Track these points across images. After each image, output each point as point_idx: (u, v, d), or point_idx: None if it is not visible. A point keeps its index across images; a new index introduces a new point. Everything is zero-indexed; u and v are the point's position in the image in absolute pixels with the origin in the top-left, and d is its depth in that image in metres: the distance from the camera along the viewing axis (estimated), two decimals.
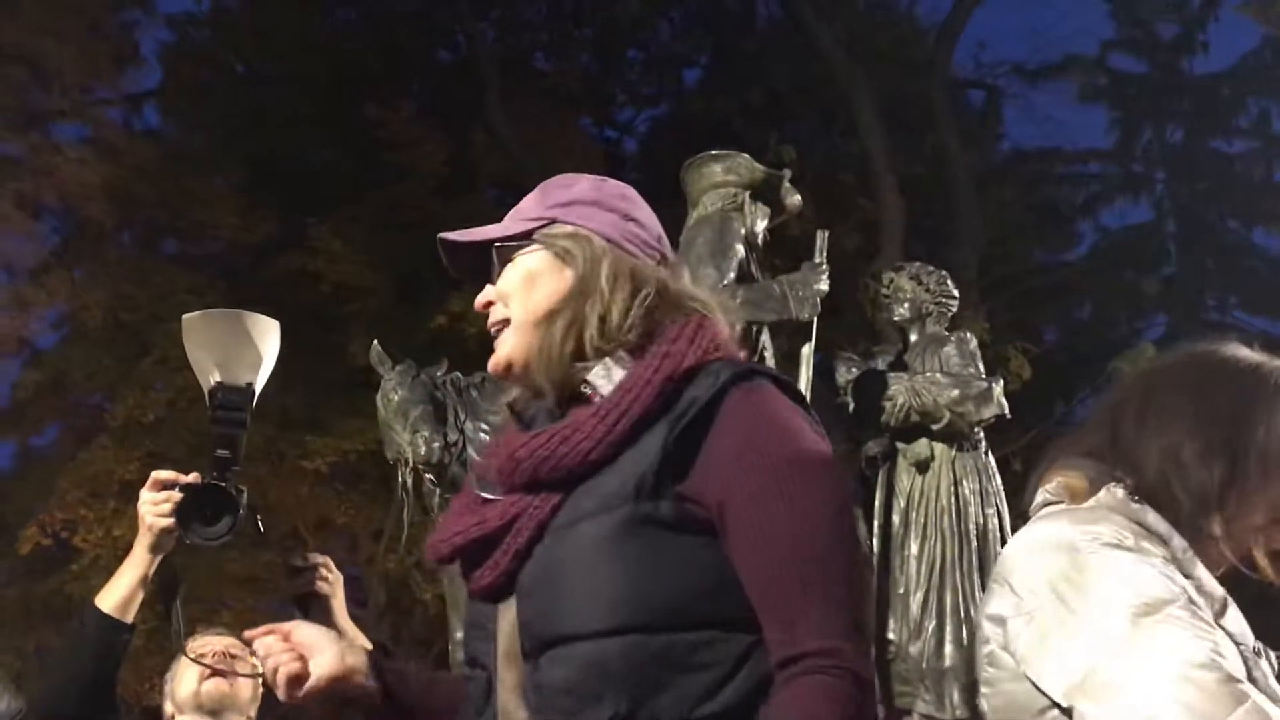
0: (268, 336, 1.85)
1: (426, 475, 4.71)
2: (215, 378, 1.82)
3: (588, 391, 1.39)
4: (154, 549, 1.92)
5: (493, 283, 1.47)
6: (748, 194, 4.53)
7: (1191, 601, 1.28)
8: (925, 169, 13.75)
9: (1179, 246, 15.54)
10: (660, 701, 1.26)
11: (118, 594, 1.95)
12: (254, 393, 1.84)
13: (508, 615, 1.37)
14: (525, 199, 1.51)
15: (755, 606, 1.29)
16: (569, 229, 1.44)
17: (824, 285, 4.37)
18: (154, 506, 1.88)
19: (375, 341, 4.98)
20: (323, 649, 1.48)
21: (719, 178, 4.56)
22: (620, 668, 1.27)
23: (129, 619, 1.96)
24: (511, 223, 1.49)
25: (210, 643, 2.53)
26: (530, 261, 1.44)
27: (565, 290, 1.42)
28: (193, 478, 1.84)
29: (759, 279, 4.48)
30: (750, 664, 1.29)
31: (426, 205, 12.90)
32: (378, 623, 12.62)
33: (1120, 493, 1.38)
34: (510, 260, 1.46)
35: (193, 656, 2.37)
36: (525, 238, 1.46)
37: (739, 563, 1.29)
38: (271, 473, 11.87)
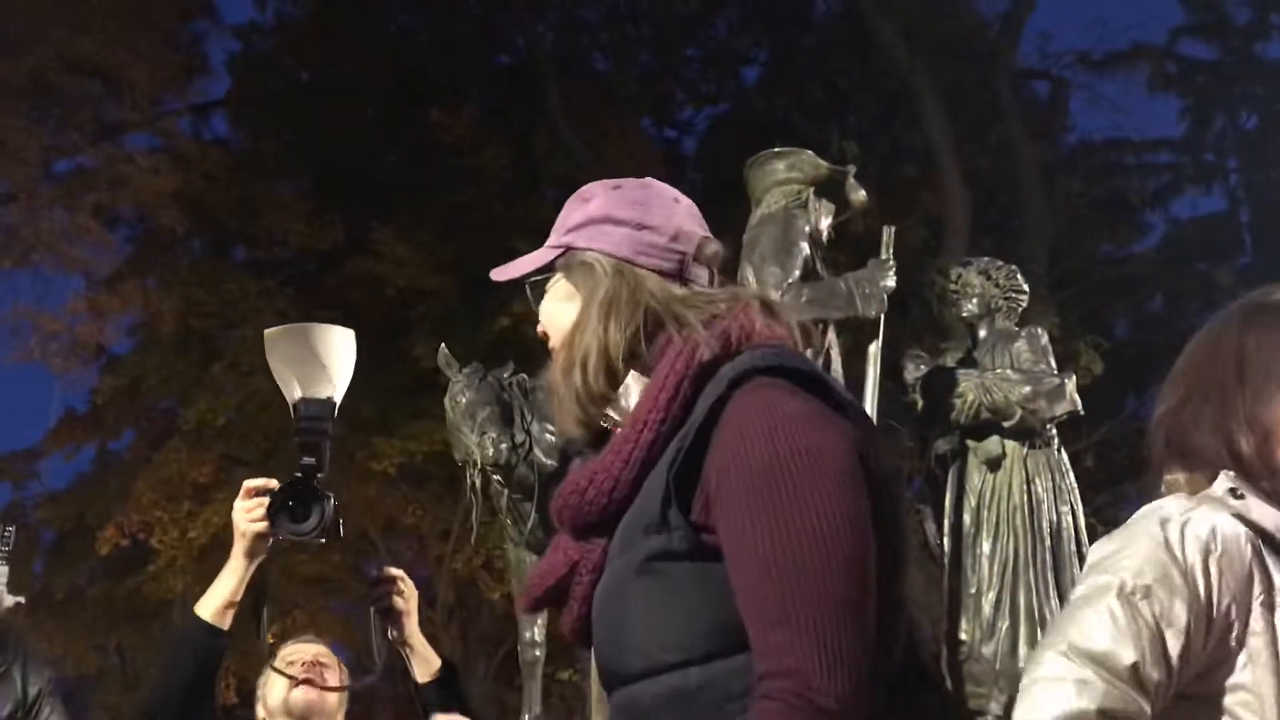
0: (345, 348, 1.89)
1: (494, 476, 4.74)
2: (298, 390, 1.87)
3: (606, 425, 1.37)
4: (249, 554, 1.97)
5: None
6: (811, 191, 4.50)
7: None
8: (991, 162, 13.55)
9: (1253, 235, 15.15)
10: None
11: (216, 601, 1.99)
12: (335, 404, 1.89)
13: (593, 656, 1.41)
14: (558, 219, 1.48)
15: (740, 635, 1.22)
16: (578, 257, 1.41)
17: (891, 282, 4.33)
18: (247, 513, 1.93)
19: (443, 345, 5.03)
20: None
21: (782, 175, 4.53)
22: (665, 708, 1.24)
23: (226, 625, 2.00)
24: (540, 251, 1.46)
25: (300, 651, 2.58)
26: (555, 294, 1.43)
27: (580, 316, 1.39)
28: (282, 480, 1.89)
29: (824, 276, 4.45)
30: None
31: (490, 208, 13.01)
32: (446, 622, 12.76)
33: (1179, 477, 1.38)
34: (545, 292, 1.45)
35: (279, 668, 2.42)
36: (549, 270, 1.43)
37: (731, 577, 1.23)
38: (340, 474, 12.03)
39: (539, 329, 1.46)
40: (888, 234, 4.49)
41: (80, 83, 12.42)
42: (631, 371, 1.35)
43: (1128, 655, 1.24)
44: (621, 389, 1.36)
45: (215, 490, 12.24)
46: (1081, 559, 4.18)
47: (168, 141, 13.51)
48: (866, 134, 13.16)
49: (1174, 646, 1.25)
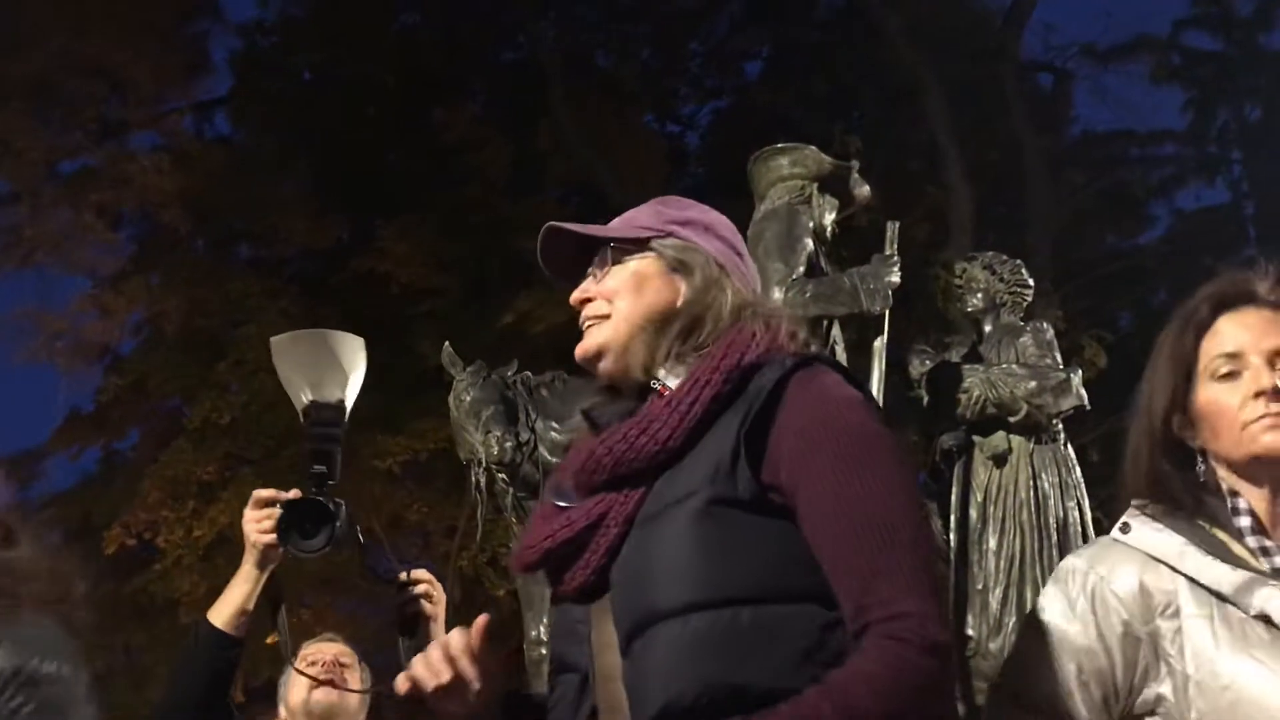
0: (354, 353, 1.90)
1: (499, 474, 4.74)
2: (308, 396, 1.87)
3: (656, 387, 1.46)
4: (260, 564, 1.99)
5: (594, 280, 1.55)
6: (815, 186, 4.50)
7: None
8: (995, 155, 13.52)
9: (1258, 227, 15.11)
10: (748, 672, 1.28)
11: (228, 609, 2.01)
12: (345, 409, 1.89)
13: (603, 614, 1.40)
14: (638, 210, 1.61)
15: (830, 578, 1.32)
16: (684, 244, 1.54)
17: (895, 277, 4.33)
18: (257, 524, 1.95)
19: (447, 343, 5.03)
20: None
21: (786, 170, 4.53)
22: (708, 641, 1.29)
23: (240, 633, 2.02)
24: (625, 226, 1.58)
25: (321, 651, 2.59)
26: (642, 265, 1.53)
27: (673, 299, 1.50)
28: (292, 494, 1.89)
29: (828, 272, 4.44)
30: (835, 636, 1.31)
31: (493, 206, 13.00)
32: (452, 620, 12.74)
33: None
34: (620, 262, 1.54)
35: (300, 668, 2.43)
36: (641, 244, 1.54)
37: (814, 536, 1.33)
38: (345, 472, 11.95)
39: (579, 294, 1.55)
40: (892, 229, 4.49)
41: (83, 83, 12.43)
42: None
43: (1064, 695, 1.39)
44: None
45: (221, 489, 12.25)
46: None
47: (171, 140, 13.52)
48: (870, 128, 13.13)
49: (1095, 687, 1.39)
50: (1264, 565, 1.40)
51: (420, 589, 2.02)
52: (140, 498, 12.45)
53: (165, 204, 12.52)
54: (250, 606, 2.01)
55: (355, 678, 2.62)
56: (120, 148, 13.06)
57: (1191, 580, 1.39)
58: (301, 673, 2.44)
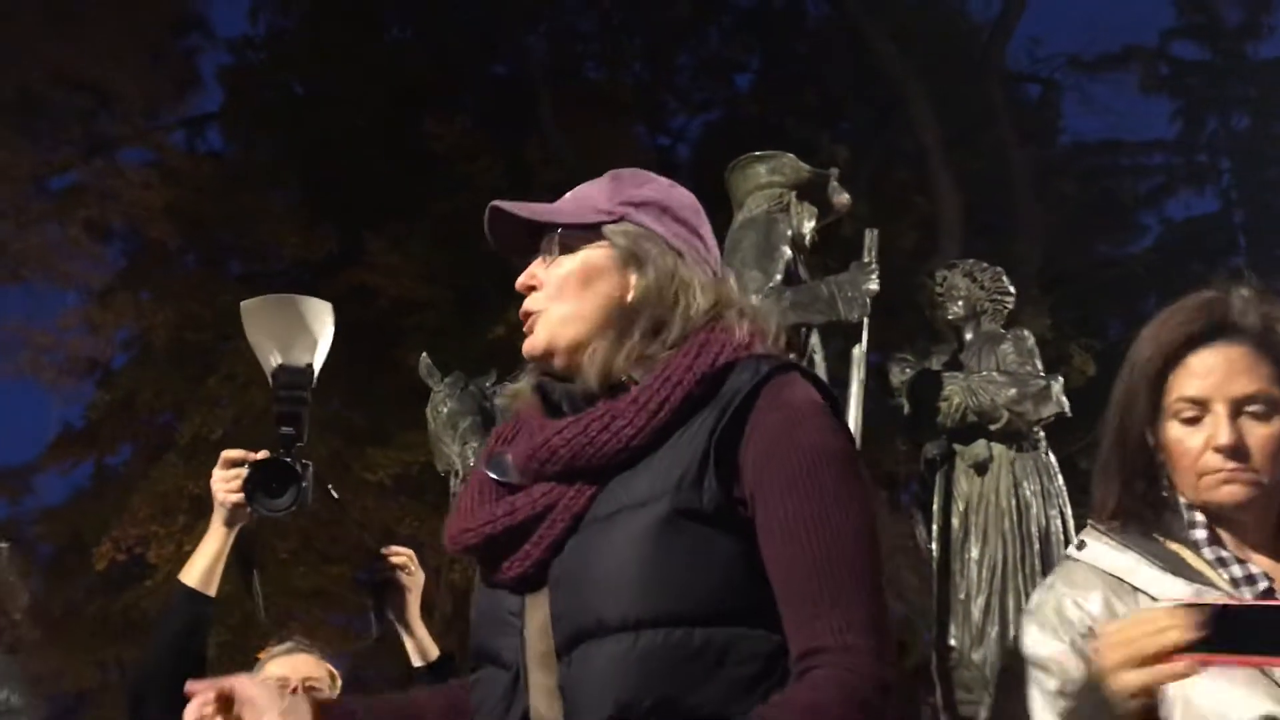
0: (322, 318, 1.92)
1: None
2: (276, 359, 1.90)
3: (623, 380, 1.38)
4: (228, 523, 2.03)
5: (543, 263, 1.44)
6: (794, 194, 4.49)
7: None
8: (983, 165, 13.56)
9: (1247, 236, 15.16)
10: (696, 697, 1.24)
11: (199, 568, 2.04)
12: (313, 372, 1.93)
13: (538, 609, 1.34)
14: (592, 185, 1.49)
15: (780, 604, 1.27)
16: (638, 230, 1.43)
17: (873, 285, 4.31)
18: (224, 483, 1.98)
19: (424, 354, 5.04)
20: (265, 710, 1.38)
21: (764, 179, 4.51)
22: (658, 660, 1.24)
23: (211, 591, 2.04)
24: (577, 207, 1.46)
25: (288, 670, 2.54)
26: (593, 256, 1.42)
27: (624, 293, 1.40)
28: (261, 455, 1.91)
29: (806, 280, 4.43)
30: (779, 663, 1.27)
31: (483, 218, 13.00)
32: (445, 632, 12.73)
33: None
34: (570, 249, 1.43)
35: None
36: (593, 229, 1.43)
37: (767, 559, 1.28)
38: (336, 485, 11.97)
39: (525, 279, 1.45)
40: (870, 237, 4.48)
41: (71, 97, 12.44)
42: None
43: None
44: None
45: (211, 504, 12.20)
46: None
47: (160, 155, 13.52)
48: (859, 139, 13.17)
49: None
50: (1223, 575, 1.41)
51: (398, 560, 2.04)
52: (130, 513, 12.41)
53: (154, 218, 12.52)
54: (220, 564, 2.04)
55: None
56: (109, 163, 13.06)
57: (1146, 594, 1.40)
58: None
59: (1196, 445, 1.43)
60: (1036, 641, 1.44)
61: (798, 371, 1.38)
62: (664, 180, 1.51)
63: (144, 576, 12.64)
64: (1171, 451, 1.45)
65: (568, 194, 1.51)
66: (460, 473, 4.67)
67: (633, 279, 1.40)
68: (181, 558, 12.47)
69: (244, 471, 1.92)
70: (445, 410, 4.75)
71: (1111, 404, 1.51)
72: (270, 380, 1.92)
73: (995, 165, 13.38)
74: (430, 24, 14.74)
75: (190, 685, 1.42)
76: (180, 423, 12.73)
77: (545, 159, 13.81)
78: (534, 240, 1.47)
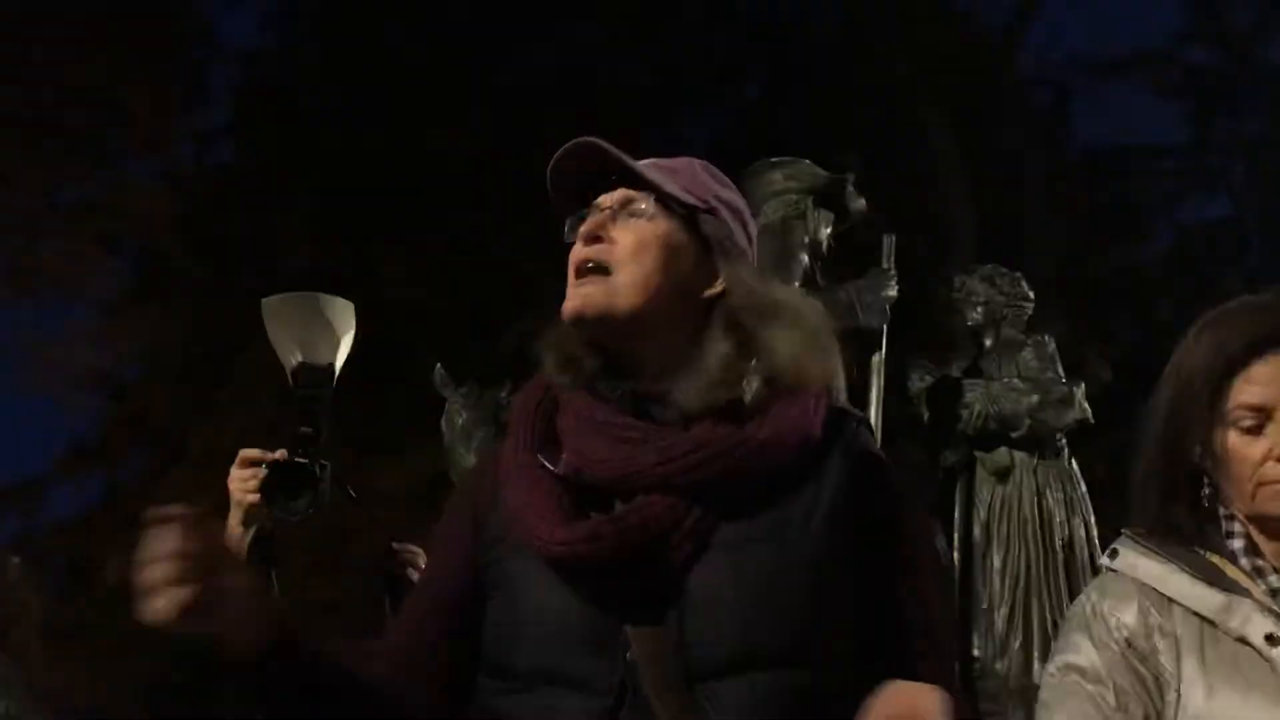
0: (344, 317, 1.88)
1: None
2: (297, 358, 1.86)
3: (743, 397, 1.32)
4: (245, 523, 2.00)
5: (610, 220, 1.36)
6: (810, 200, 4.46)
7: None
8: (995, 171, 13.52)
9: (1262, 239, 15.10)
10: None
11: None
12: (334, 371, 1.88)
13: (652, 634, 1.24)
14: (680, 165, 1.42)
15: (884, 651, 1.29)
16: (722, 226, 1.39)
17: (892, 291, 4.28)
18: (242, 483, 1.94)
19: (439, 365, 5.02)
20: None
21: (780, 185, 4.49)
22: (806, 698, 1.24)
23: None
24: (667, 179, 1.38)
25: None
26: (674, 233, 1.36)
27: (705, 285, 1.36)
28: (279, 454, 1.87)
29: (824, 287, 4.40)
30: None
31: (494, 228, 13.01)
32: None
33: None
34: (653, 217, 1.36)
35: None
36: (686, 209, 1.37)
37: (875, 605, 1.31)
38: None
39: (593, 227, 1.36)
40: (888, 243, 4.45)
41: (81, 112, 12.48)
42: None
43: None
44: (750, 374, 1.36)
45: (224, 516, 12.21)
46: (1095, 570, 4.12)
47: (169, 168, 13.59)
48: (869, 145, 13.13)
49: (1138, 702, 1.38)
50: (1259, 586, 1.39)
51: (409, 558, 2.03)
52: (143, 526, 12.42)
53: (164, 232, 12.55)
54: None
55: None
56: (118, 176, 13.11)
57: (1179, 604, 1.40)
58: None
59: (1256, 454, 1.41)
60: (1080, 650, 1.42)
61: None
62: (739, 195, 1.48)
63: None
64: (1226, 460, 1.42)
65: (648, 161, 1.42)
66: None
67: (720, 272, 1.36)
68: None
69: (262, 472, 1.88)
70: (461, 421, 4.73)
71: (1156, 412, 1.49)
72: (290, 379, 1.88)
73: (1007, 172, 13.34)
74: (438, 36, 14.77)
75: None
76: (191, 435, 12.74)
77: None
78: (596, 193, 1.40)
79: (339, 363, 1.90)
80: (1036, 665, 4.16)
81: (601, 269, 1.34)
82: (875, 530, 1.33)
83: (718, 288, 1.35)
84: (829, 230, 4.47)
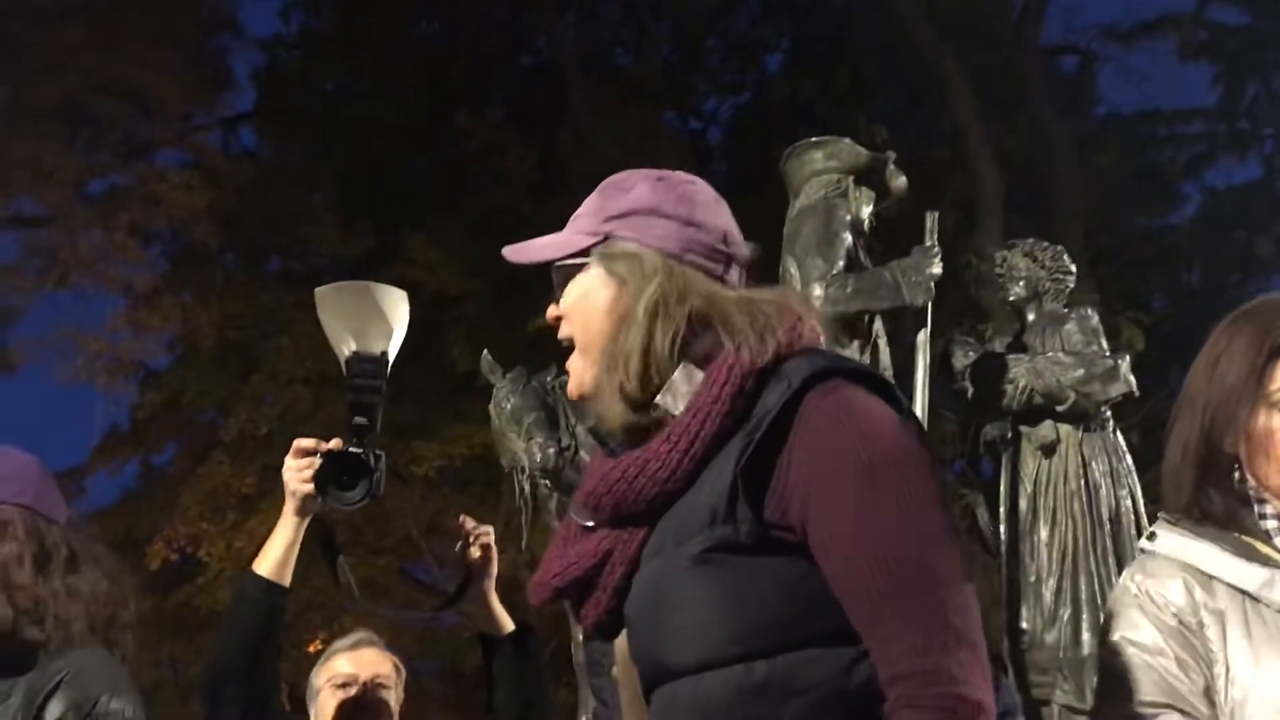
0: (398, 306, 1.88)
1: (542, 481, 4.74)
2: (351, 347, 1.86)
3: (656, 415, 1.34)
4: (299, 512, 1.99)
5: (555, 299, 1.44)
6: (851, 179, 4.45)
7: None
8: (1020, 141, 13.41)
9: None
10: None
11: (272, 558, 2.00)
12: (388, 361, 1.88)
13: (623, 652, 1.37)
14: (586, 202, 1.45)
15: (855, 624, 1.22)
16: (622, 247, 1.37)
17: (937, 269, 4.27)
18: (296, 473, 1.94)
19: (485, 352, 5.03)
20: None
21: (820, 164, 4.48)
22: (721, 702, 1.22)
23: (285, 581, 2.01)
24: (570, 235, 1.43)
25: (357, 668, 2.51)
26: (587, 282, 1.39)
27: (624, 312, 1.36)
28: (333, 444, 1.88)
29: (867, 266, 4.40)
30: (859, 673, 1.22)
31: (518, 209, 13.02)
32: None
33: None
34: (569, 279, 1.41)
35: (330, 687, 2.39)
36: (582, 255, 1.40)
37: (830, 580, 1.22)
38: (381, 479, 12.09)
39: (551, 314, 1.43)
40: (931, 220, 4.43)
41: (110, 103, 12.56)
42: (681, 362, 1.33)
43: (1175, 697, 1.40)
44: (673, 378, 1.33)
45: (260, 500, 12.32)
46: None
47: (198, 157, 13.65)
48: (893, 118, 13.06)
49: (1197, 677, 1.39)
50: None
51: (484, 538, 2.04)
52: (180, 512, 12.56)
53: (195, 220, 12.63)
54: (293, 554, 2.01)
55: (393, 699, 2.53)
56: (148, 166, 13.19)
57: (1221, 580, 1.42)
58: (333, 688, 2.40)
59: None
60: (1136, 626, 1.44)
61: (840, 375, 1.28)
62: (650, 176, 1.43)
63: (196, 574, 12.80)
64: (1264, 442, 1.44)
65: (572, 216, 1.47)
66: (525, 468, 4.69)
67: (625, 299, 1.36)
68: (232, 554, 12.70)
69: (316, 461, 1.88)
70: (509, 406, 4.75)
71: (1194, 393, 1.49)
72: (344, 369, 1.89)
73: (1033, 141, 13.22)
74: (459, 18, 14.75)
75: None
76: (225, 421, 12.86)
77: (577, 149, 13.80)
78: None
79: (392, 352, 1.91)
80: (1085, 636, 4.19)
81: (569, 342, 1.43)
82: (805, 505, 1.23)
83: (631, 312, 1.36)
84: (870, 209, 4.47)
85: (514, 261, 1.47)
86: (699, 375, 1.32)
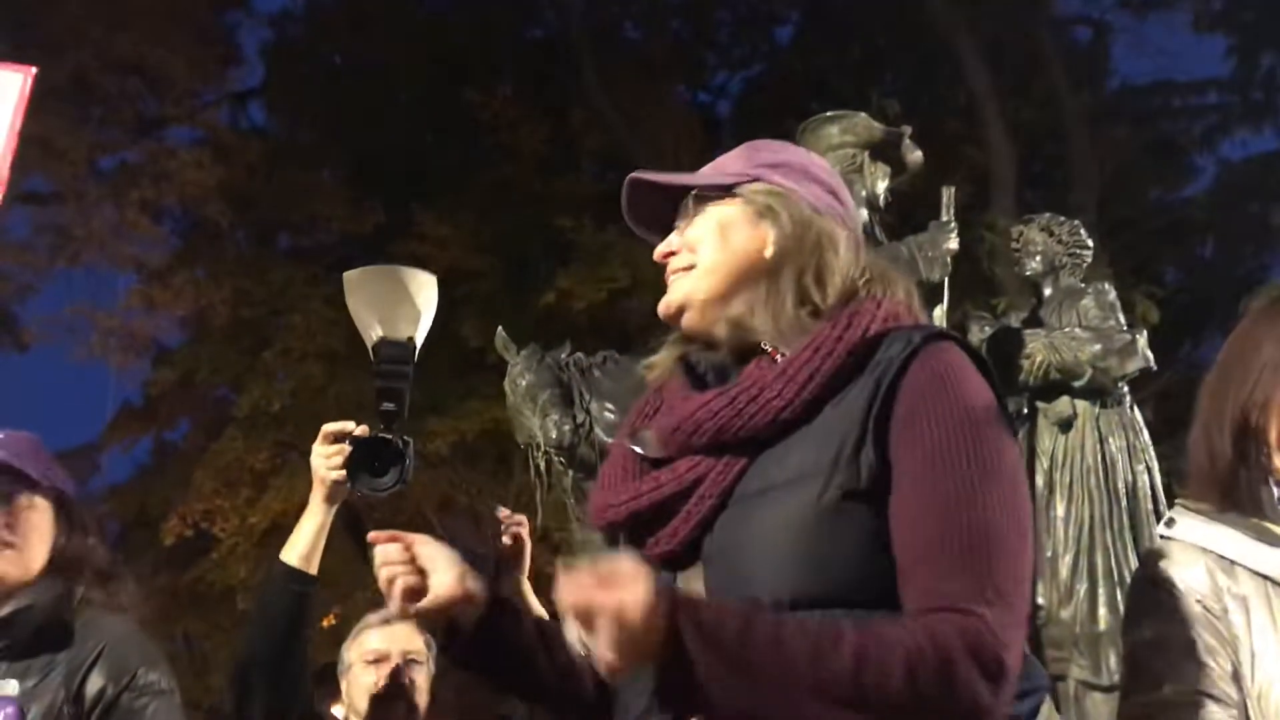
0: (425, 290, 1.86)
1: (558, 458, 4.74)
2: (377, 332, 1.84)
3: (768, 349, 1.36)
4: (328, 500, 1.97)
5: (678, 232, 1.46)
6: (866, 154, 4.42)
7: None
8: (1034, 113, 13.30)
9: None
10: None
11: (300, 546, 1.98)
12: (415, 346, 1.86)
13: (690, 587, 1.32)
14: (729, 155, 1.49)
15: (900, 569, 1.22)
16: (773, 188, 1.42)
17: (954, 244, 4.25)
18: (325, 459, 1.91)
19: (500, 329, 5.02)
20: (443, 568, 1.41)
21: (836, 139, 4.45)
22: None
23: (313, 570, 1.99)
24: (713, 173, 1.47)
25: (389, 645, 2.51)
26: (725, 213, 1.42)
27: (760, 247, 1.39)
28: (361, 430, 1.87)
29: (883, 241, 4.37)
30: None
31: (529, 185, 12.99)
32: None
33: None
34: (703, 210, 1.44)
35: (362, 665, 2.40)
36: (726, 190, 1.44)
37: (897, 533, 1.23)
38: None
39: (663, 249, 1.46)
40: (948, 195, 4.40)
41: (120, 80, 12.54)
42: (813, 310, 1.36)
43: (1204, 682, 1.38)
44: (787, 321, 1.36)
45: (273, 476, 12.38)
46: (1159, 517, 4.13)
47: (208, 134, 13.64)
48: (906, 91, 12.96)
49: (1225, 662, 1.38)
50: None
51: (520, 529, 2.02)
52: (194, 488, 12.62)
53: (206, 197, 12.63)
54: (321, 541, 1.99)
55: (424, 675, 2.52)
56: (159, 143, 13.20)
57: (1243, 565, 1.42)
58: (365, 664, 2.40)
59: None
60: (1161, 609, 1.43)
61: (951, 340, 1.32)
62: (801, 149, 1.52)
63: (210, 550, 12.88)
64: None
65: (706, 166, 1.51)
66: (541, 445, 4.69)
67: (770, 233, 1.39)
68: (246, 530, 12.72)
69: (345, 448, 1.86)
70: (524, 383, 4.74)
71: (1221, 378, 1.48)
72: (371, 354, 1.87)
73: (1047, 113, 13.12)
74: None
75: (372, 535, 1.45)
76: (238, 397, 12.90)
77: (588, 123, 13.75)
78: (672, 215, 1.48)
79: (419, 337, 1.89)
80: (1102, 612, 4.18)
81: (683, 269, 1.44)
82: (895, 452, 1.24)
83: (770, 248, 1.40)
84: (886, 184, 4.45)
85: (639, 186, 1.48)
86: (811, 325, 1.34)
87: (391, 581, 1.41)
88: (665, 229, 1.48)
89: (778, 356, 1.34)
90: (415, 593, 1.41)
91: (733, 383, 1.35)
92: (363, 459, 1.84)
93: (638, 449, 1.39)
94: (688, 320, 1.41)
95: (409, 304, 1.87)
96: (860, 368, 1.29)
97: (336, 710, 2.66)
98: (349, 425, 1.91)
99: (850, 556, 1.24)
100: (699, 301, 1.40)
